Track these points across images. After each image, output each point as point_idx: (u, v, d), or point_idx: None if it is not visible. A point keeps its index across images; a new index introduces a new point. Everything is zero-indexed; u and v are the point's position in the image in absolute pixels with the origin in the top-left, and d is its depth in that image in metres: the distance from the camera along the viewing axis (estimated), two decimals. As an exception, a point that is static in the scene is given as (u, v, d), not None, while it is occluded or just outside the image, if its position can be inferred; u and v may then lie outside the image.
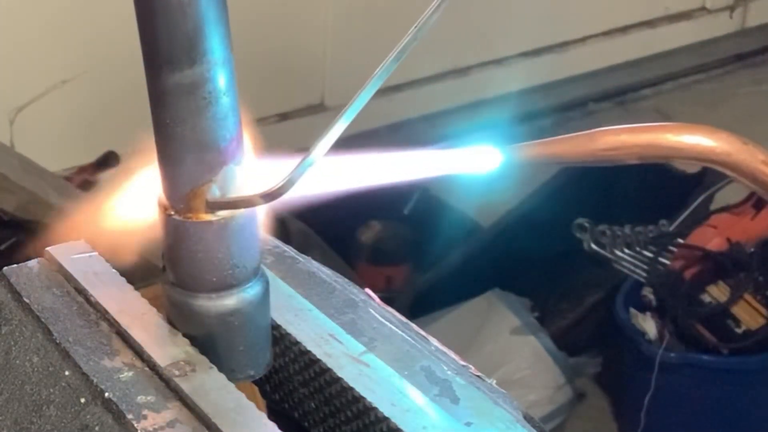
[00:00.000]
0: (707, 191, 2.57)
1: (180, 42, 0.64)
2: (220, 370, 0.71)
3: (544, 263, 2.70)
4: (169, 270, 0.73)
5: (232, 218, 0.70)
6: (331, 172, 0.69)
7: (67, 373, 0.71)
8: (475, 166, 0.72)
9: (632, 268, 2.48)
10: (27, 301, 0.77)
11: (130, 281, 0.79)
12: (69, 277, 0.79)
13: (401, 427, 0.71)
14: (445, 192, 2.83)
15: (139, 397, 0.68)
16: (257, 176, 0.70)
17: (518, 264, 2.68)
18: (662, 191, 2.66)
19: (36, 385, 0.72)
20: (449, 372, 0.77)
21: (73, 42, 2.77)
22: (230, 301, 0.72)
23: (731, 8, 4.01)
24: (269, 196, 0.66)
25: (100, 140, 2.58)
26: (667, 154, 0.71)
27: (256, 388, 0.83)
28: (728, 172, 0.71)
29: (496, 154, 0.71)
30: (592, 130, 0.72)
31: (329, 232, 2.44)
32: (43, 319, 0.75)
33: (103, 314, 0.75)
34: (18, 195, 1.68)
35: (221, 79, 0.66)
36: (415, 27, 0.63)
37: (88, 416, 0.68)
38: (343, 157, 0.69)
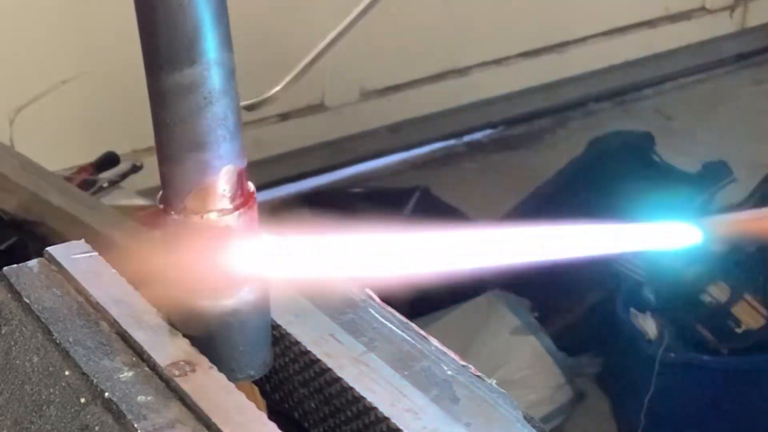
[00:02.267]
0: (707, 191, 2.57)
1: (180, 42, 0.64)
2: (220, 370, 0.71)
3: (544, 263, 2.69)
4: (169, 270, 0.73)
5: (233, 218, 0.70)
6: (530, 242, 0.68)
7: (67, 373, 0.71)
8: (673, 243, 0.71)
9: (632, 268, 2.48)
10: (27, 301, 0.76)
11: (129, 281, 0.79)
12: (69, 277, 0.79)
13: (401, 427, 0.71)
14: (444, 192, 2.82)
15: (139, 397, 0.68)
16: None
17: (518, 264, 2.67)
18: (662, 191, 2.66)
19: (36, 385, 0.72)
20: (449, 372, 0.77)
21: (73, 42, 2.77)
22: (230, 301, 0.72)
23: (731, 8, 4.01)
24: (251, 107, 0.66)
25: (100, 140, 2.58)
26: None
27: (256, 388, 0.83)
28: None
29: (696, 231, 0.70)
30: None
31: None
32: (43, 319, 0.75)
33: (103, 314, 0.75)
34: (18, 195, 1.68)
35: (221, 79, 0.66)
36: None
37: (88, 416, 0.68)
38: (532, 229, 0.68)
